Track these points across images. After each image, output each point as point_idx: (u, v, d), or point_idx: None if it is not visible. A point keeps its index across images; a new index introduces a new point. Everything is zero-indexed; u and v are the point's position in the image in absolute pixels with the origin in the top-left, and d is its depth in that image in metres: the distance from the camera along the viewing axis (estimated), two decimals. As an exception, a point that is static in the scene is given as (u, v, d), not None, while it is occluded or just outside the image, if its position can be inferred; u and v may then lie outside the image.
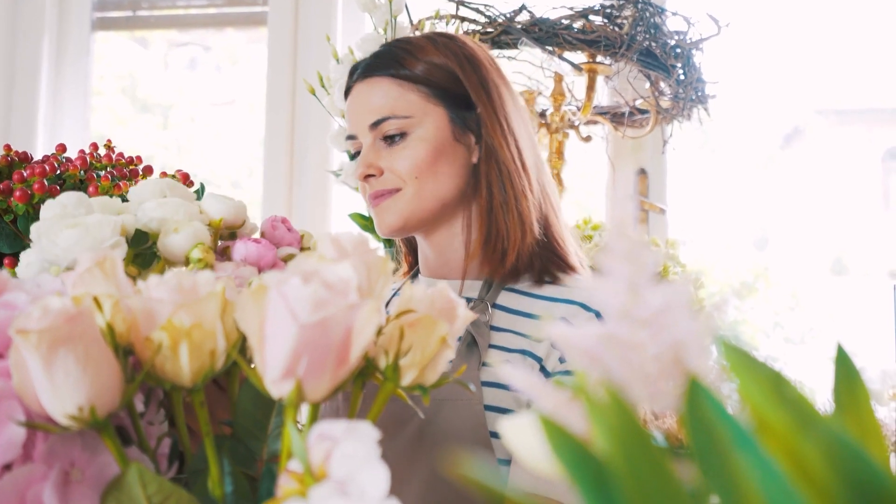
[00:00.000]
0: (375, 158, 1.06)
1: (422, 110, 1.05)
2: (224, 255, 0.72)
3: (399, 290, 1.15)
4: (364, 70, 1.09)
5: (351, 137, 1.11)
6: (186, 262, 0.67)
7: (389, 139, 1.05)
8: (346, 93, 1.13)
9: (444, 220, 1.08)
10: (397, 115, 1.04)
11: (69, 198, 0.69)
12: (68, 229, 0.65)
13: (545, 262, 1.06)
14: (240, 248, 0.70)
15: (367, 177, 1.07)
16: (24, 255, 0.68)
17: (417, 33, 1.76)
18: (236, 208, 0.74)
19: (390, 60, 1.07)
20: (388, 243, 1.40)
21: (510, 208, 1.04)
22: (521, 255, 1.04)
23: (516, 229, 1.04)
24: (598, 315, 0.99)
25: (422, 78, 1.05)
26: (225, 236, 0.75)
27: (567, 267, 1.07)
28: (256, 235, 0.77)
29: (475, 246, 1.06)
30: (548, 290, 1.04)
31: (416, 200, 1.05)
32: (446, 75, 1.06)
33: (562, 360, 0.97)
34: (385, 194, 1.06)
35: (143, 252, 0.70)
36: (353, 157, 1.13)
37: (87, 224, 0.65)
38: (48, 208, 0.69)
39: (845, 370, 0.35)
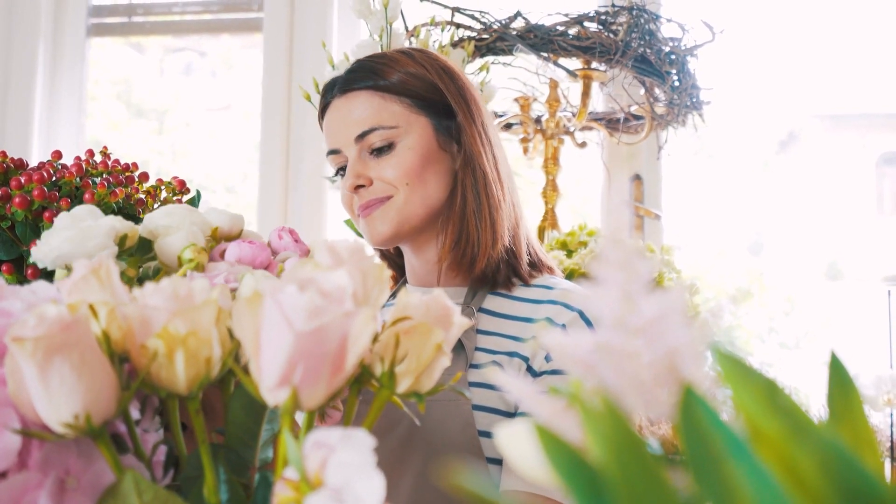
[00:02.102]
0: (364, 169, 1.07)
1: (406, 120, 1.06)
2: (220, 258, 0.72)
3: (392, 297, 1.16)
4: (342, 85, 1.09)
5: (334, 152, 1.11)
6: (180, 263, 0.68)
7: (376, 150, 1.06)
8: (323, 111, 1.14)
9: (431, 227, 1.09)
10: (384, 126, 1.05)
11: (81, 209, 0.70)
12: (63, 231, 0.66)
13: (512, 268, 1.08)
14: (233, 250, 0.71)
15: (357, 188, 1.07)
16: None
17: (413, 40, 1.76)
18: (233, 219, 0.76)
19: (368, 73, 1.08)
20: None
21: (483, 216, 1.06)
22: (490, 263, 1.06)
23: (487, 237, 1.06)
24: (581, 314, 1.01)
25: (402, 89, 1.07)
26: None
27: (534, 270, 1.10)
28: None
29: (444, 249, 1.07)
30: (530, 292, 1.07)
31: (407, 207, 1.05)
32: (426, 86, 1.08)
33: (548, 359, 0.99)
34: (375, 203, 1.06)
35: (149, 261, 0.71)
36: (337, 172, 1.13)
37: (81, 227, 0.66)
38: (60, 220, 0.70)
39: (839, 377, 0.35)
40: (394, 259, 1.21)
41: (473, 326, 1.03)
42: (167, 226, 0.70)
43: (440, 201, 1.08)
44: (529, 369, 0.99)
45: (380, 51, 1.61)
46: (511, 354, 1.01)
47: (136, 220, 0.88)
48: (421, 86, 1.07)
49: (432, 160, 1.07)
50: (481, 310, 1.06)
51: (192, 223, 0.70)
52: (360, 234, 1.70)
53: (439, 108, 1.08)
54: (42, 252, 0.66)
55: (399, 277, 1.21)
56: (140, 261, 0.70)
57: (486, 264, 1.05)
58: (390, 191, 1.06)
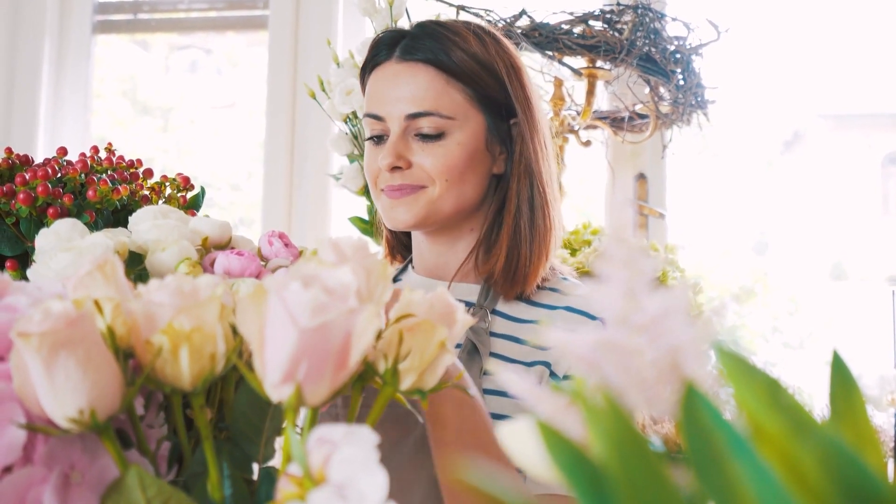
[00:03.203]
0: (405, 150, 1.01)
1: (464, 113, 1.01)
2: (211, 268, 0.72)
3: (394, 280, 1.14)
4: (405, 50, 1.02)
5: (374, 118, 1.03)
6: None
7: (422, 135, 1.00)
8: (372, 68, 1.06)
9: (456, 225, 1.06)
10: (441, 114, 1.00)
11: (63, 225, 0.70)
12: (62, 253, 0.66)
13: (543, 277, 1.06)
14: (221, 261, 0.70)
15: (393, 169, 1.01)
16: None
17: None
18: (221, 227, 0.74)
19: (434, 47, 1.01)
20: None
21: (537, 235, 1.02)
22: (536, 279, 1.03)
23: (541, 258, 1.03)
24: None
25: (468, 77, 1.00)
26: None
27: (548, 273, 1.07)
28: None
29: (497, 271, 1.02)
30: (545, 296, 1.04)
31: (438, 203, 1.01)
32: (492, 81, 1.02)
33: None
34: (407, 190, 1.01)
35: (140, 274, 0.70)
36: (370, 136, 1.05)
37: (80, 248, 0.66)
38: (43, 237, 0.70)
39: (841, 377, 0.35)
40: (401, 239, 1.17)
41: (487, 329, 1.00)
42: (157, 240, 0.69)
43: (473, 202, 1.04)
44: (553, 375, 0.97)
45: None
46: (530, 364, 0.98)
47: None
48: (488, 81, 1.01)
49: (476, 160, 1.02)
50: (495, 311, 1.03)
51: (180, 236, 0.70)
52: (364, 232, 1.70)
53: (500, 108, 1.03)
54: (41, 276, 0.66)
55: (404, 258, 1.17)
56: (131, 272, 0.70)
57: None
58: (426, 181, 1.01)
